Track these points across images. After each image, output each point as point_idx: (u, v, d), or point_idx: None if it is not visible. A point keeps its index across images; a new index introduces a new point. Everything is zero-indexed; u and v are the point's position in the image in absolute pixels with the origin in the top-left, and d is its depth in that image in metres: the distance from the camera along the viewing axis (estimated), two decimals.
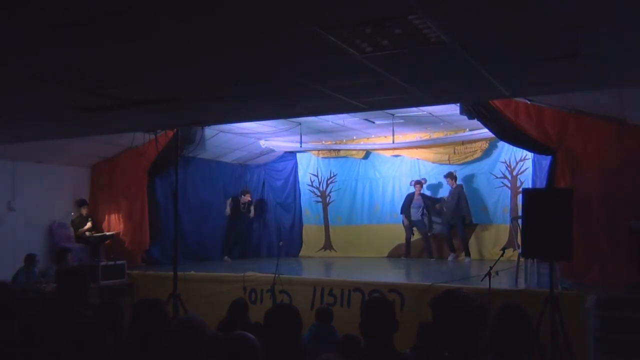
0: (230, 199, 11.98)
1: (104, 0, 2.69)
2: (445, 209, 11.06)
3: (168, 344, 2.79)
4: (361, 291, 7.59)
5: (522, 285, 7.29)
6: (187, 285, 8.25)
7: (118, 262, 9.33)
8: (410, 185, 11.70)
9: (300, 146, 11.66)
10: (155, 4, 2.73)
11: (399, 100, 5.44)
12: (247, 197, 12.08)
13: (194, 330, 2.78)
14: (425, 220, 11.48)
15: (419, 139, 11.48)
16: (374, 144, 12.01)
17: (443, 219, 11.20)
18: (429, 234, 11.52)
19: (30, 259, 8.48)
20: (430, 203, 11.45)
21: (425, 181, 11.70)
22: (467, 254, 10.81)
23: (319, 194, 13.11)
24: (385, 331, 2.97)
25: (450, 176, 11.05)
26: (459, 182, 11.10)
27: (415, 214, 11.41)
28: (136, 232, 10.59)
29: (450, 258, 11.00)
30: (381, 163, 12.44)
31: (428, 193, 11.71)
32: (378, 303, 3.26)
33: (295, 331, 3.03)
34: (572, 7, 2.89)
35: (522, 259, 7.54)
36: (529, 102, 7.51)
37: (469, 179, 11.42)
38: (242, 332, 2.62)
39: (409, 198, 11.53)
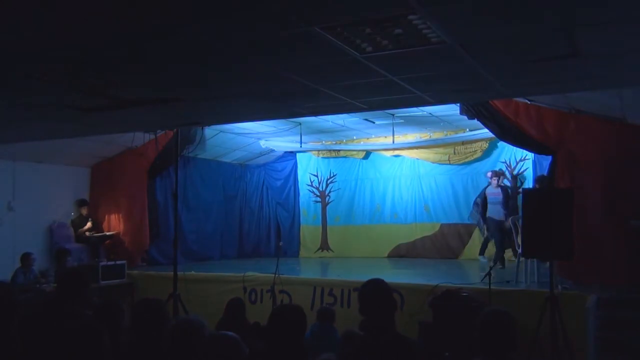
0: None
1: (105, 1, 2.69)
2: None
3: (167, 345, 2.79)
4: None
5: (522, 285, 7.30)
6: (187, 285, 8.24)
7: (118, 262, 9.33)
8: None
9: (300, 146, 11.67)
10: (155, 4, 2.73)
11: (399, 100, 5.43)
12: None
13: (193, 331, 2.78)
14: None
15: (419, 139, 11.49)
16: (374, 144, 12.02)
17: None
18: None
19: (26, 257, 8.46)
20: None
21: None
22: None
23: (318, 194, 13.11)
24: (382, 310, 2.98)
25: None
26: (459, 181, 11.10)
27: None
28: (136, 232, 10.59)
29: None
30: (381, 163, 12.43)
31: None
32: (372, 283, 3.29)
33: (299, 332, 3.04)
34: (572, 7, 2.89)
35: (522, 259, 7.54)
36: (529, 102, 7.51)
37: (469, 179, 11.42)
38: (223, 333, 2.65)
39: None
